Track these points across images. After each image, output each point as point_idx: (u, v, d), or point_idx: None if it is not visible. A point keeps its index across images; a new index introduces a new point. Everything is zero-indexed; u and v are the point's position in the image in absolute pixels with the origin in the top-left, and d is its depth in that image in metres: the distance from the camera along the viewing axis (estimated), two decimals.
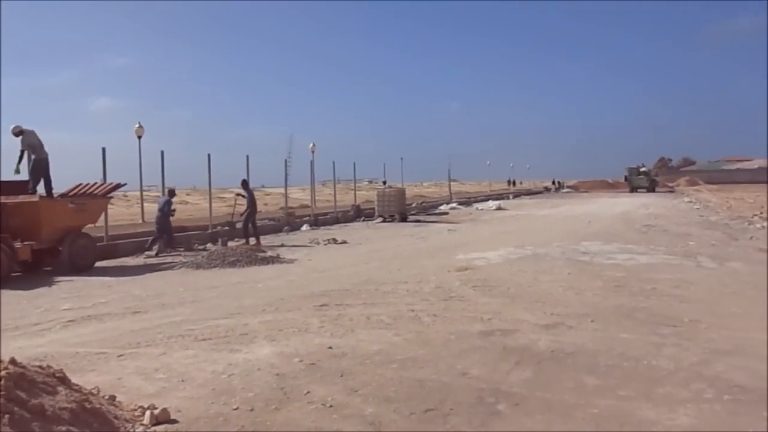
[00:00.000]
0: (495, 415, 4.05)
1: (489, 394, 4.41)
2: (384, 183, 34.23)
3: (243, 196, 16.66)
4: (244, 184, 16.82)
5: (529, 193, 62.21)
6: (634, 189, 60.24)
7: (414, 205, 31.87)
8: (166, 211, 14.69)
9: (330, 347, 5.73)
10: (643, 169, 63.08)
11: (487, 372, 4.92)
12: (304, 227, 20.71)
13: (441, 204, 34.71)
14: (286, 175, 24.07)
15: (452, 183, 48.08)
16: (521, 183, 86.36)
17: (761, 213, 23.42)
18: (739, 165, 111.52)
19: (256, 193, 18.07)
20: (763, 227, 17.48)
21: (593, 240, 14.80)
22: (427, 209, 31.27)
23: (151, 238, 14.62)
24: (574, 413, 4.05)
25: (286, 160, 26.10)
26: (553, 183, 74.62)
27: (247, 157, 19.85)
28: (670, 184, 78.42)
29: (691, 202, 35.73)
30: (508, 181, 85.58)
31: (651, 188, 60.04)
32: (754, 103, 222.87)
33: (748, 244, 13.70)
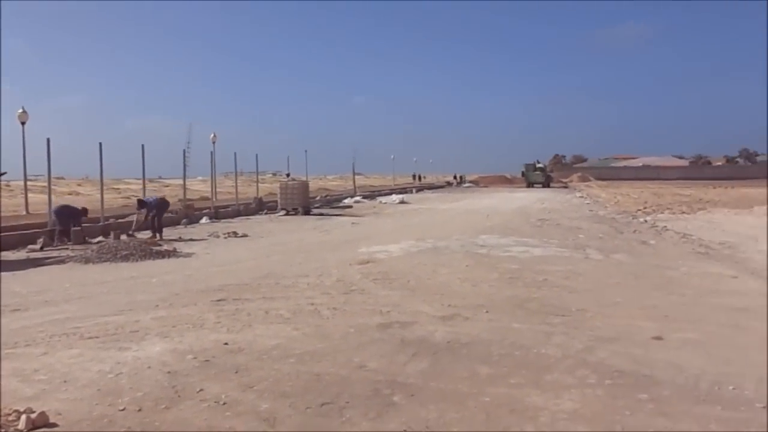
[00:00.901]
0: (390, 407, 4.09)
1: (385, 386, 4.45)
2: (287, 175, 33.86)
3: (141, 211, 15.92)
4: (140, 203, 16.05)
5: (432, 187, 63.37)
6: (530, 184, 62.65)
7: (318, 198, 31.73)
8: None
9: (226, 343, 5.60)
10: (539, 166, 65.62)
11: (384, 364, 4.97)
12: (204, 220, 20.15)
13: (345, 197, 34.75)
14: (184, 165, 23.36)
15: (357, 176, 48.23)
16: (425, 177, 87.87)
17: (644, 208, 24.99)
18: (625, 163, 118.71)
19: (153, 185, 17.40)
20: (645, 221, 18.65)
21: (491, 233, 15.26)
22: (331, 202, 31.22)
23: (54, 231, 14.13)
24: (467, 402, 4.16)
25: (184, 150, 25.35)
26: (455, 178, 76.38)
27: (143, 146, 19.07)
28: (564, 180, 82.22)
29: (582, 197, 37.58)
30: (413, 176, 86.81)
31: (546, 184, 62.65)
32: (640, 106, 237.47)
33: (632, 237, 14.57)
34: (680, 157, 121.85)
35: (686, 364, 4.91)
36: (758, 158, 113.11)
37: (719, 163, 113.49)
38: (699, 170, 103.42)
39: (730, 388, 4.40)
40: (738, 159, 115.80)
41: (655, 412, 3.97)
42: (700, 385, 4.46)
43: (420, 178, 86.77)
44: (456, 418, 3.90)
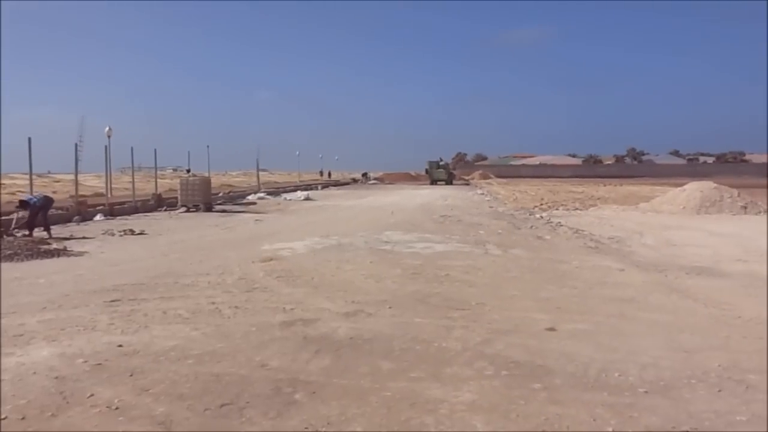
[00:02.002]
0: (292, 405, 4.05)
1: (287, 384, 4.41)
2: (188, 171, 32.86)
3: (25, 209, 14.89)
4: (22, 204, 15.00)
5: (338, 184, 63.40)
6: (434, 181, 63.83)
7: (220, 194, 30.99)
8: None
9: (120, 345, 5.37)
10: (442, 163, 66.97)
11: (286, 362, 4.92)
12: (98, 217, 19.21)
13: (249, 194, 34.13)
14: (76, 160, 22.11)
15: (261, 173, 47.49)
16: (330, 174, 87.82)
17: (540, 205, 26.04)
18: (523, 161, 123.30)
19: (43, 181, 16.37)
20: (541, 218, 19.45)
21: (395, 230, 15.44)
22: (234, 199, 30.58)
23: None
24: (369, 397, 4.19)
25: (76, 144, 23.97)
26: (364, 175, 76.82)
27: (30, 139, 17.93)
28: (466, 178, 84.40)
29: (483, 194, 38.71)
30: (320, 172, 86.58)
31: (449, 181, 64.04)
32: (538, 108, 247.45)
33: (529, 232, 15.15)
34: (574, 156, 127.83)
35: (577, 353, 5.16)
36: (644, 158, 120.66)
37: (609, 162, 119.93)
38: (591, 168, 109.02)
39: (616, 374, 4.66)
40: (626, 158, 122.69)
41: (548, 400, 4.15)
42: (589, 373, 4.70)
43: (330, 174, 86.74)
44: (357, 414, 3.92)
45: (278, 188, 42.44)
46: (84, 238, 14.04)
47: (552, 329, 5.94)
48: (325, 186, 53.85)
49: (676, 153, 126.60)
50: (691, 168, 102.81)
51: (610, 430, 3.72)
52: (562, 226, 16.60)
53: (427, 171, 68.29)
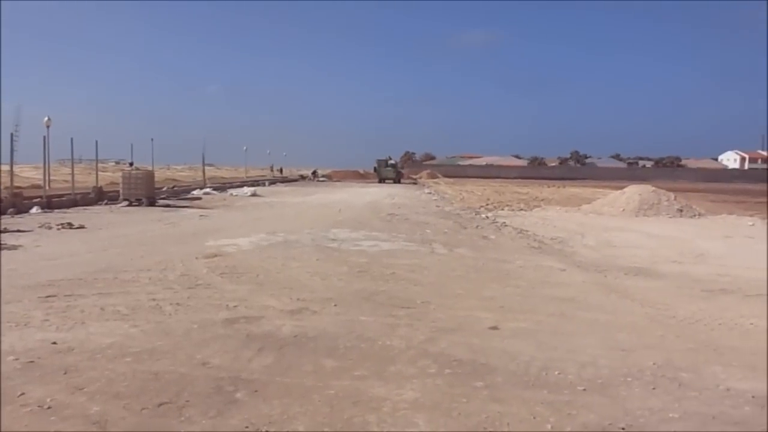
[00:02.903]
0: (233, 404, 3.98)
1: (228, 383, 4.33)
2: (131, 164, 32.02)
3: None
4: None
5: (285, 180, 62.86)
6: (382, 180, 63.98)
7: (164, 189, 30.30)
8: None
9: (54, 342, 5.18)
10: (390, 162, 67.15)
11: (228, 360, 4.83)
12: (34, 210, 18.51)
13: (194, 189, 33.48)
14: (12, 150, 21.29)
15: (207, 167, 46.69)
16: (281, 170, 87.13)
17: (486, 205, 26.40)
18: (471, 161, 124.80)
19: None
20: (487, 217, 19.71)
21: (342, 227, 15.40)
22: (179, 194, 29.95)
23: None
24: (312, 396, 4.15)
25: (12, 134, 23.10)
26: (313, 173, 76.46)
27: None
28: (414, 177, 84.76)
29: (430, 193, 39.00)
30: (271, 168, 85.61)
31: (397, 179, 64.30)
32: (485, 109, 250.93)
33: (474, 232, 15.33)
34: (519, 158, 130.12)
35: (518, 352, 5.24)
36: (587, 161, 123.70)
37: (553, 164, 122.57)
38: (536, 170, 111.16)
39: (556, 373, 4.75)
40: (569, 161, 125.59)
41: (489, 398, 4.20)
42: (530, 371, 4.77)
43: (281, 170, 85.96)
44: (300, 412, 3.88)
45: (224, 184, 41.78)
46: (18, 231, 13.51)
47: (495, 328, 6.01)
48: (273, 182, 53.30)
49: (617, 157, 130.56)
50: (631, 171, 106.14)
51: (549, 427, 3.79)
52: (506, 226, 16.86)
53: (375, 169, 68.37)
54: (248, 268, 9.03)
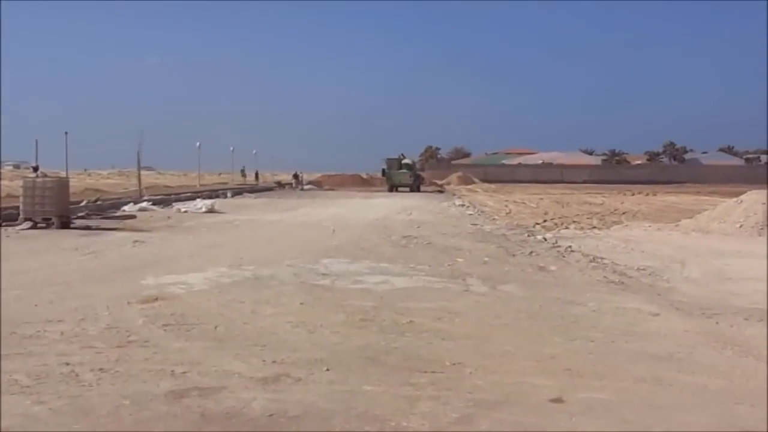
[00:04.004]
0: None
1: None
2: (35, 169, 32.25)
3: None
4: None
5: (255, 189, 63.11)
6: (394, 187, 64.15)
7: (84, 203, 30.46)
8: None
9: None
10: (405, 162, 67.29)
11: None
12: None
13: (126, 202, 33.67)
14: None
15: (145, 172, 47.03)
16: (257, 176, 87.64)
17: (544, 221, 26.38)
18: (520, 159, 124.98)
19: None
20: (545, 240, 19.69)
21: (337, 256, 15.40)
22: (105, 210, 30.10)
23: None
24: None
25: None
26: (295, 177, 76.76)
27: None
28: (439, 182, 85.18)
29: (463, 205, 39.05)
30: (242, 172, 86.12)
31: (415, 186, 64.47)
32: (540, 88, 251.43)
33: (527, 260, 15.30)
34: (590, 153, 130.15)
35: None
36: (687, 156, 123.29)
37: (639, 162, 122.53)
38: (614, 170, 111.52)
39: None
40: (662, 157, 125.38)
41: None
42: None
43: (257, 175, 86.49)
44: None
45: (169, 195, 41.99)
46: None
47: (559, 400, 5.97)
48: (238, 192, 53.50)
49: (729, 150, 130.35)
50: (750, 171, 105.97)
51: None
52: (573, 251, 16.82)
53: (384, 172, 68.40)
54: (203, 317, 9.02)
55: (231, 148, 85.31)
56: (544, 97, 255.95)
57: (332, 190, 70.87)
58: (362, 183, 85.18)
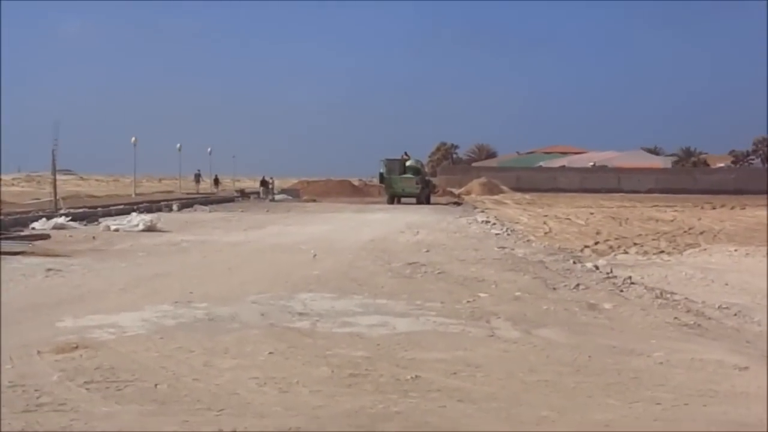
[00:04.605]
0: None
1: None
2: None
3: None
4: None
5: (211, 200, 63.07)
6: (395, 197, 64.10)
7: None
8: None
9: None
10: (411, 164, 67.02)
11: None
12: None
13: (37, 217, 33.65)
14: None
15: (61, 178, 47.00)
16: (217, 181, 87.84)
17: (595, 243, 26.36)
18: (564, 161, 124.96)
19: None
20: (596, 268, 19.66)
21: (319, 290, 15.39)
22: (7, 228, 30.06)
23: None
24: None
25: None
26: (264, 183, 76.79)
27: None
28: (456, 191, 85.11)
29: (488, 222, 38.95)
30: (196, 177, 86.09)
31: (424, 196, 64.20)
32: (590, 70, 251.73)
33: (572, 296, 15.27)
34: (656, 153, 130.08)
35: None
36: None
37: (722, 164, 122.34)
38: (688, 176, 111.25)
39: None
40: (752, 158, 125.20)
41: None
42: None
43: (216, 181, 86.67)
44: None
45: (95, 208, 41.98)
46: None
47: None
48: (188, 204, 53.45)
49: None
50: None
51: None
52: (634, 284, 16.79)
53: (382, 178, 68.00)
54: (139, 372, 9.01)
55: (178, 146, 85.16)
56: (593, 79, 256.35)
57: (313, 201, 70.81)
58: (353, 192, 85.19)
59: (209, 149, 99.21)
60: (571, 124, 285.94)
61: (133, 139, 67.10)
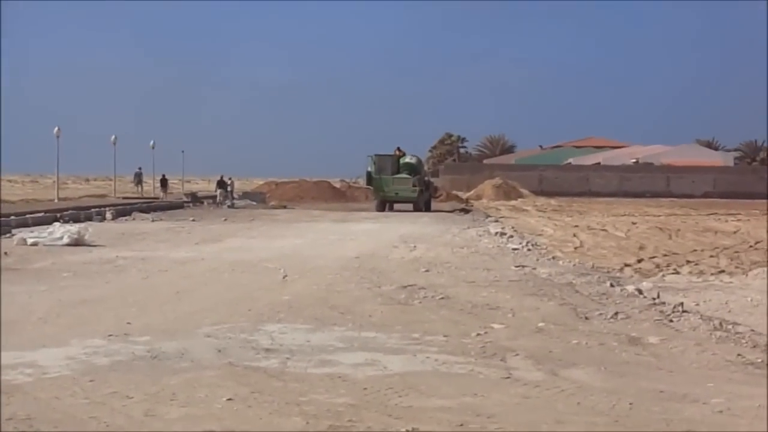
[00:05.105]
0: None
1: None
2: None
3: None
4: None
5: (154, 207, 62.98)
6: (386, 203, 64.12)
7: None
8: None
9: None
10: (407, 161, 66.93)
11: None
12: None
13: None
14: None
15: None
16: (164, 182, 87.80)
17: (638, 261, 26.38)
18: (599, 156, 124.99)
19: None
20: (639, 292, 19.67)
21: (291, 320, 15.41)
22: None
23: None
24: None
25: None
26: (220, 185, 76.75)
27: None
28: (464, 195, 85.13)
29: (503, 233, 38.94)
30: (136, 177, 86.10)
31: (423, 202, 64.20)
32: (632, 50, 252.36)
33: (609, 328, 15.26)
34: (714, 147, 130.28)
35: None
36: None
37: None
38: (755, 176, 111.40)
39: None
40: None
41: None
42: None
43: (164, 181, 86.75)
44: None
45: (7, 216, 41.96)
46: None
47: None
48: (125, 212, 53.38)
49: None
50: None
51: None
52: (687, 313, 16.79)
53: (370, 178, 67.86)
54: (63, 423, 9.01)
55: (112, 138, 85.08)
56: (635, 55, 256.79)
57: (284, 207, 70.74)
58: (334, 195, 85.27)
59: (152, 142, 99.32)
60: (607, 110, 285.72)
61: (56, 129, 67.00)
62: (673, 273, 23.51)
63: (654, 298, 18.63)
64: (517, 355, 12.84)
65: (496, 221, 48.13)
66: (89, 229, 35.63)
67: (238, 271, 23.57)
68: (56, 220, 39.62)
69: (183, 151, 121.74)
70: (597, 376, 11.63)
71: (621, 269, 24.23)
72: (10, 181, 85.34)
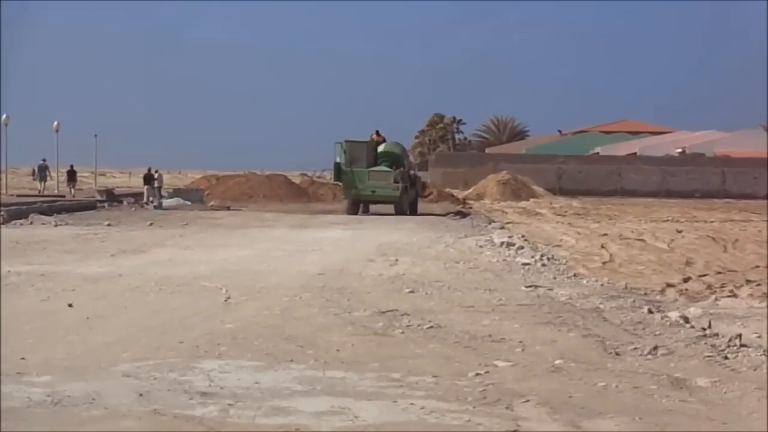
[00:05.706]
0: None
1: None
2: None
3: None
4: None
5: (59, 207, 62.91)
6: (359, 203, 64.11)
7: None
8: None
9: None
10: (385, 148, 66.81)
11: None
12: None
13: None
14: None
15: None
16: (73, 175, 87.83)
17: (684, 280, 26.45)
18: (635, 146, 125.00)
19: None
20: (684, 320, 19.71)
21: (235, 354, 15.39)
22: None
23: None
24: None
25: None
26: (147, 180, 76.88)
27: None
28: (461, 193, 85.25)
29: (511, 244, 38.99)
30: (38, 171, 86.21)
31: (408, 203, 64.23)
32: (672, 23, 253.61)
33: (646, 366, 15.27)
34: None
35: None
36: None
37: None
38: None
39: None
40: None
41: None
42: None
43: (72, 174, 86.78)
44: None
45: None
46: None
47: None
48: (20, 213, 53.33)
49: None
50: None
51: None
52: (745, 347, 16.81)
53: (339, 171, 67.63)
54: None
55: (3, 117, 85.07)
56: (684, 16, 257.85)
57: (227, 208, 70.70)
58: (293, 194, 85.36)
59: (55, 123, 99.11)
60: (646, 86, 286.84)
61: None
62: (728, 296, 23.55)
63: (704, 328, 18.63)
64: (527, 401, 12.83)
65: (502, 228, 48.22)
66: None
67: (167, 292, 23.54)
68: None
69: (96, 136, 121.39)
70: (630, 427, 11.63)
71: (662, 291, 24.26)
72: None
